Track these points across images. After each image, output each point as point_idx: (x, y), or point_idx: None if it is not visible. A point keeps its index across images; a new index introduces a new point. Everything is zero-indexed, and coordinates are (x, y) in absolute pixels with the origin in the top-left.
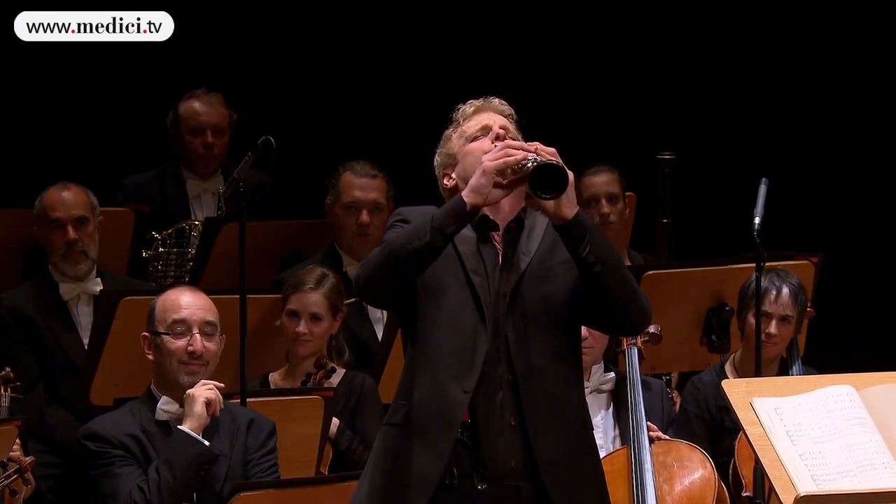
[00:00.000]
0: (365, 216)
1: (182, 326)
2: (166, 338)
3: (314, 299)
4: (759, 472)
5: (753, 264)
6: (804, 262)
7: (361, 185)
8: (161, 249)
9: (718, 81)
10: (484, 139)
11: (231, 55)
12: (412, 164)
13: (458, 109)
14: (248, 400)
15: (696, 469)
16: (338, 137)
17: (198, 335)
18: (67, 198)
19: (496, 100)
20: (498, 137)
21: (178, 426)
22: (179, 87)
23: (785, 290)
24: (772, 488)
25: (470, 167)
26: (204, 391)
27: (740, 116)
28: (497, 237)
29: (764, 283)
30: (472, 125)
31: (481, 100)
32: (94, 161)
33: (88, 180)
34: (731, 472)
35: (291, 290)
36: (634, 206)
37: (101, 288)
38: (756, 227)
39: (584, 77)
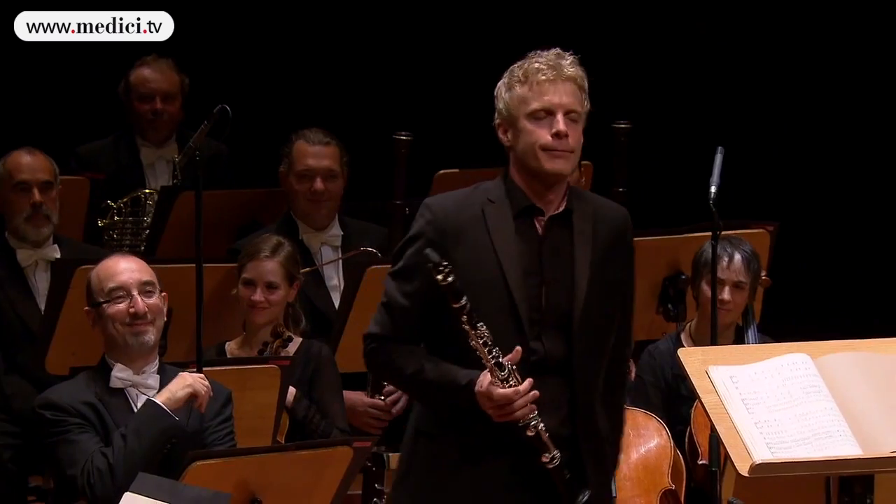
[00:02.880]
0: (319, 184)
1: (121, 291)
2: (106, 305)
3: (270, 267)
4: (715, 441)
5: (709, 233)
6: (760, 230)
7: (314, 153)
8: (116, 218)
9: (674, 50)
10: (545, 129)
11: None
12: (367, 130)
13: (528, 61)
14: (204, 369)
15: (651, 437)
16: (293, 105)
17: (137, 296)
18: (34, 162)
19: (566, 63)
20: (558, 135)
21: (152, 398)
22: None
23: (737, 257)
24: (727, 456)
25: (524, 146)
26: (197, 382)
27: (696, 85)
28: (539, 225)
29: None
30: (537, 97)
31: (552, 57)
32: (47, 130)
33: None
34: (687, 439)
35: (247, 258)
36: (591, 175)
37: (59, 255)
38: (712, 195)
39: (536, 45)
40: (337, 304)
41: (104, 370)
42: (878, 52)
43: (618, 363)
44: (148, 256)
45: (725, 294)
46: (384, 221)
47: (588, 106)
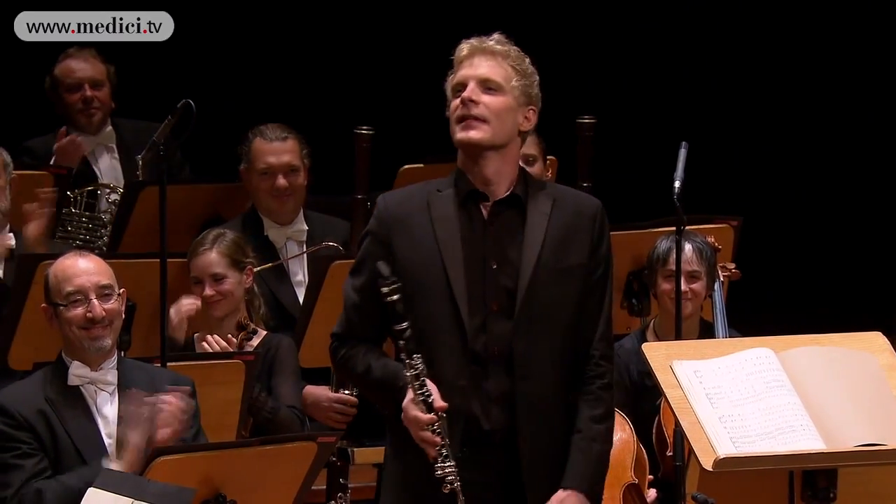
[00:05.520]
0: (281, 180)
1: (78, 295)
2: (63, 308)
3: (212, 259)
4: (679, 435)
5: (672, 228)
6: (724, 225)
7: (273, 150)
8: (73, 210)
9: (637, 44)
10: (456, 100)
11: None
12: (329, 125)
13: (457, 47)
14: (168, 364)
15: (614, 432)
16: (254, 99)
17: (95, 301)
18: None
19: (493, 40)
20: (463, 103)
21: (107, 467)
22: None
23: (688, 247)
24: (692, 450)
25: (451, 124)
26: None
27: (660, 80)
28: (485, 210)
29: (667, 244)
30: (456, 75)
31: (477, 40)
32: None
33: None
34: (655, 431)
35: (190, 256)
36: (556, 170)
37: (13, 243)
38: (676, 190)
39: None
40: (301, 299)
41: (61, 368)
42: (840, 49)
43: (589, 363)
44: (111, 251)
45: (682, 285)
46: (347, 216)
47: (523, 84)
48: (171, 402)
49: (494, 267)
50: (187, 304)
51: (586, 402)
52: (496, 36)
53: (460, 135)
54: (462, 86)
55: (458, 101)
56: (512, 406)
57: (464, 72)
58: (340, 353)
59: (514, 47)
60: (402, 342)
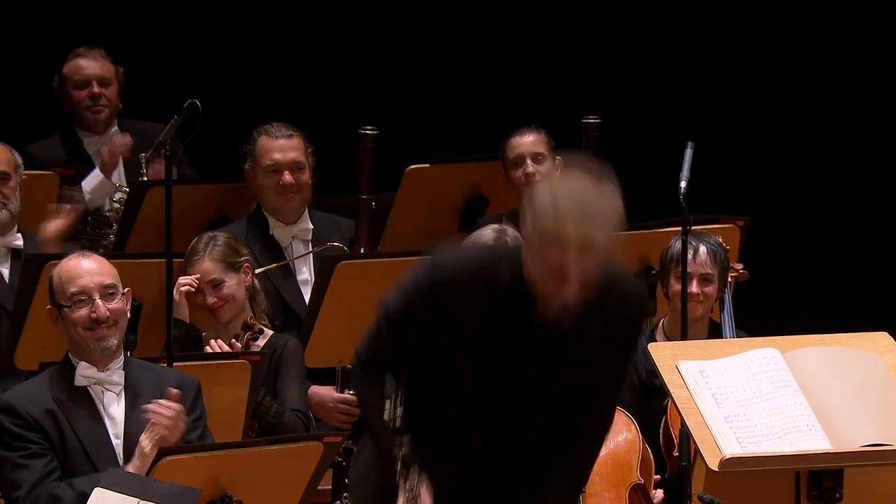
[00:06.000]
0: (287, 177)
1: (82, 296)
2: (67, 309)
3: (206, 267)
4: (685, 435)
5: (679, 228)
6: (730, 225)
7: (279, 147)
8: None
9: (643, 44)
10: (556, 291)
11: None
12: (334, 125)
13: (541, 195)
14: (174, 363)
15: (620, 432)
16: (258, 99)
17: (98, 301)
18: None
19: (588, 228)
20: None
21: (119, 469)
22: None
23: (702, 249)
24: (698, 450)
25: (546, 283)
26: (154, 438)
27: (666, 80)
28: (537, 323)
29: (681, 244)
30: (548, 256)
31: (583, 225)
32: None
33: None
34: (662, 432)
35: (186, 266)
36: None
37: (21, 243)
38: (682, 190)
39: (509, 41)
40: (307, 298)
41: (68, 368)
42: (847, 48)
43: (586, 424)
44: (118, 251)
45: (693, 287)
46: (352, 216)
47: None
48: (154, 411)
49: (529, 375)
50: (184, 280)
51: (563, 463)
52: (600, 218)
53: (554, 305)
54: (562, 280)
55: (554, 274)
56: (511, 487)
57: (564, 255)
58: (362, 380)
59: (615, 218)
60: (400, 452)
